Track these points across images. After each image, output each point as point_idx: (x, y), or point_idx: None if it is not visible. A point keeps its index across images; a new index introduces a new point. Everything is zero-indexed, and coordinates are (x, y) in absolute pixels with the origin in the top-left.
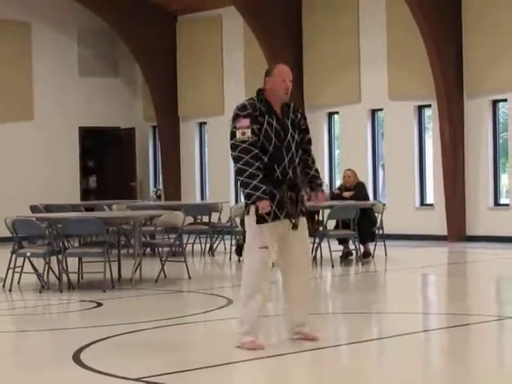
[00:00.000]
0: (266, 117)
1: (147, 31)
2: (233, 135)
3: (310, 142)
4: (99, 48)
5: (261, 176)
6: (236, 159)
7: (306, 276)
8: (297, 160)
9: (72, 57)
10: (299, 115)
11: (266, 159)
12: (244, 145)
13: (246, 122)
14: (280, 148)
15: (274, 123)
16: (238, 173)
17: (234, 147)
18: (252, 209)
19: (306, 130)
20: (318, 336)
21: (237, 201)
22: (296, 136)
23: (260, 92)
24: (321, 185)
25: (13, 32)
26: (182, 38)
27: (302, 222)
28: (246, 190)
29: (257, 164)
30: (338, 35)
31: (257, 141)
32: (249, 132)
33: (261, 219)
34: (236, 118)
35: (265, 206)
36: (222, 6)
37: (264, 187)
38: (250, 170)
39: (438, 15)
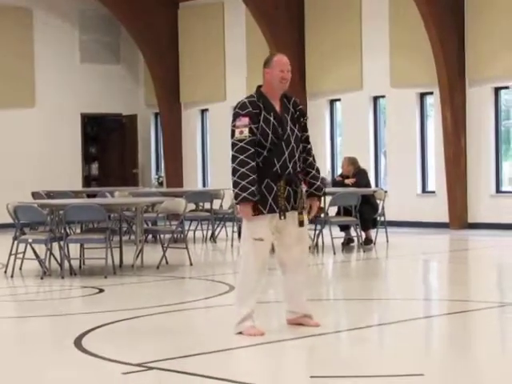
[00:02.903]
0: (264, 113)
1: (149, 18)
2: (232, 134)
3: (307, 140)
4: (101, 34)
5: (253, 176)
6: (232, 158)
7: (302, 265)
8: (297, 154)
9: (73, 43)
10: (299, 112)
11: (265, 153)
12: (241, 144)
13: (245, 120)
14: (279, 143)
15: (272, 119)
16: (232, 172)
17: (232, 146)
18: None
19: (305, 128)
20: (319, 323)
21: None
22: (296, 130)
23: (258, 89)
24: (319, 189)
25: (14, 18)
26: (184, 25)
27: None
28: (235, 190)
29: (251, 164)
30: (340, 22)
31: (255, 140)
32: (246, 131)
33: (257, 211)
34: (236, 116)
35: (246, 211)
36: None
37: (253, 188)
38: (242, 170)
39: (440, 2)
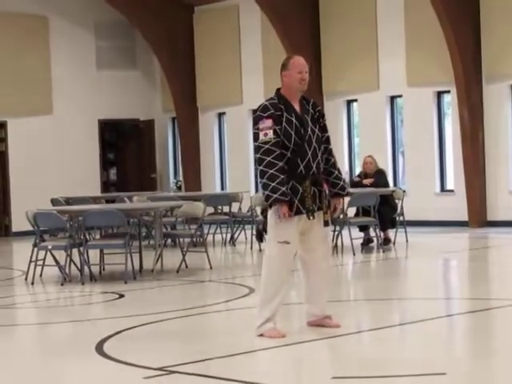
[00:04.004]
0: (285, 115)
1: (165, 22)
2: (256, 137)
3: (328, 140)
4: (117, 41)
5: (282, 177)
6: (259, 161)
7: (326, 266)
8: (319, 154)
9: (90, 50)
10: (318, 113)
11: (288, 154)
12: (266, 146)
13: (268, 122)
14: (301, 144)
15: (294, 120)
16: (260, 175)
17: (257, 149)
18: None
19: (325, 129)
20: (340, 323)
21: (257, 190)
22: (317, 131)
23: (278, 91)
24: (343, 189)
25: (30, 26)
26: (200, 29)
27: (321, 216)
28: (266, 192)
29: (279, 164)
30: (355, 22)
31: (279, 141)
32: (271, 133)
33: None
34: (259, 119)
35: (284, 211)
36: None
37: (283, 188)
38: (271, 172)
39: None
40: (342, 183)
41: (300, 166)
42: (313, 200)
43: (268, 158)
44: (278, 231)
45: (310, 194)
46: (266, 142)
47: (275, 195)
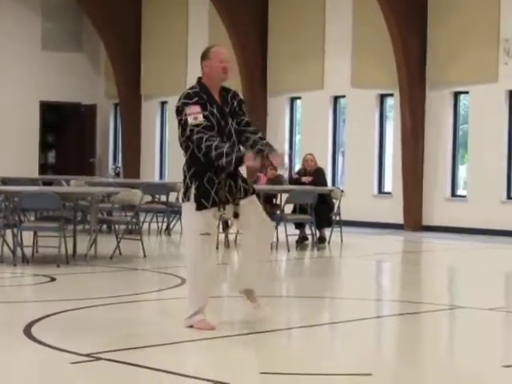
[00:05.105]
0: (208, 106)
1: (113, 8)
2: (185, 123)
3: (248, 123)
4: (63, 22)
5: (227, 145)
6: (197, 141)
7: (261, 247)
8: (237, 148)
9: (35, 30)
10: (237, 102)
11: None
12: (199, 128)
13: (196, 108)
14: (221, 136)
15: (215, 111)
16: (207, 153)
17: (190, 132)
18: (192, 196)
19: (243, 114)
20: (266, 311)
21: None
22: (235, 124)
23: (199, 80)
24: (268, 144)
25: None
26: (147, 17)
27: (252, 199)
28: (224, 160)
29: (219, 138)
30: (303, 21)
31: (211, 126)
32: (201, 116)
33: (200, 205)
34: (185, 105)
35: (251, 158)
36: None
37: (235, 150)
38: (215, 143)
39: (404, 5)
40: (266, 141)
41: None
42: (229, 192)
43: (205, 136)
44: (197, 224)
45: (224, 187)
46: (197, 125)
47: (234, 155)
